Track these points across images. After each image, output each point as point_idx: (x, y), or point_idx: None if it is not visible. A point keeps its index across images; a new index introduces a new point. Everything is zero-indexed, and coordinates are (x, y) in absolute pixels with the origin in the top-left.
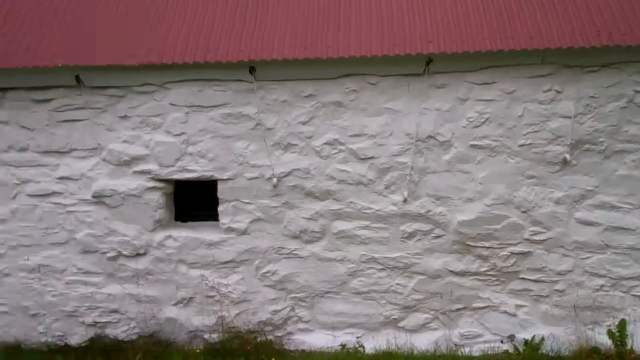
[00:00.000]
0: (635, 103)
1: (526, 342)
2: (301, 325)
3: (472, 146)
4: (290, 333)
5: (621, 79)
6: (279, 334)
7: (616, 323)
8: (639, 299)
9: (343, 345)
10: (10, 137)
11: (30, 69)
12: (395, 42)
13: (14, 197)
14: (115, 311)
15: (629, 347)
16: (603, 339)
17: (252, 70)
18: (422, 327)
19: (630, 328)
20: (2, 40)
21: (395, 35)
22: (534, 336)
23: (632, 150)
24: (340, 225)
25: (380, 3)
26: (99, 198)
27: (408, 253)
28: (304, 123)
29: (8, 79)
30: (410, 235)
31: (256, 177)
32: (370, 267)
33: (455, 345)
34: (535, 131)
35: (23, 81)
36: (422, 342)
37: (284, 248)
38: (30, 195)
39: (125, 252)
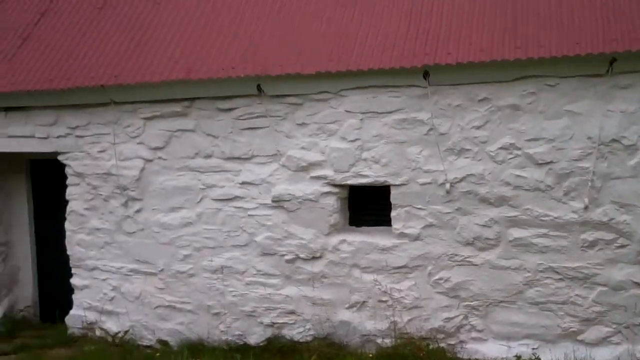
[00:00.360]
0: None
1: None
2: (474, 334)
3: None
4: (462, 342)
5: None
6: (452, 342)
7: None
8: None
9: (518, 357)
10: (196, 145)
11: (216, 80)
12: (575, 42)
13: (199, 201)
14: (291, 312)
15: None
16: None
17: (425, 75)
18: (603, 341)
19: None
20: (190, 54)
21: (576, 35)
22: None
23: None
24: (516, 233)
25: (550, 3)
26: (278, 202)
27: (589, 263)
28: (478, 127)
29: (196, 89)
30: (591, 245)
31: (429, 183)
32: (548, 277)
33: None
34: None
35: (209, 91)
36: (603, 356)
37: (457, 255)
38: (214, 200)
39: (302, 255)
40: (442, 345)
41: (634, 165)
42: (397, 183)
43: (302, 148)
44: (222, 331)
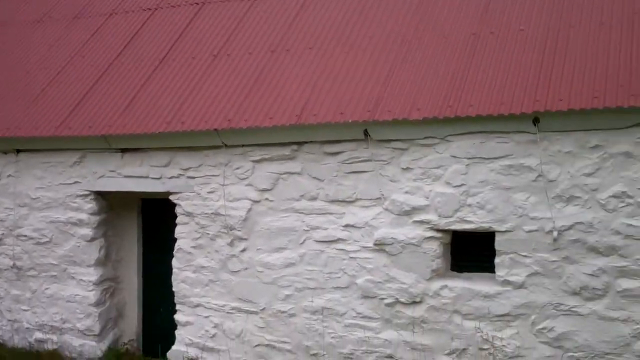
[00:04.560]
0: None
1: None
2: None
3: None
4: None
5: None
6: None
7: None
8: None
9: None
10: (302, 187)
11: (325, 125)
12: None
13: (302, 243)
14: (390, 357)
15: None
16: None
17: (535, 121)
18: None
19: None
20: (299, 100)
21: None
22: None
23: None
24: (625, 284)
25: None
26: (380, 246)
27: None
28: (588, 175)
29: (305, 133)
30: None
31: (535, 230)
32: None
33: None
34: None
35: (317, 135)
36: None
37: (562, 304)
38: (317, 241)
39: (402, 299)
40: None
41: None
42: (502, 229)
43: (406, 192)
44: None
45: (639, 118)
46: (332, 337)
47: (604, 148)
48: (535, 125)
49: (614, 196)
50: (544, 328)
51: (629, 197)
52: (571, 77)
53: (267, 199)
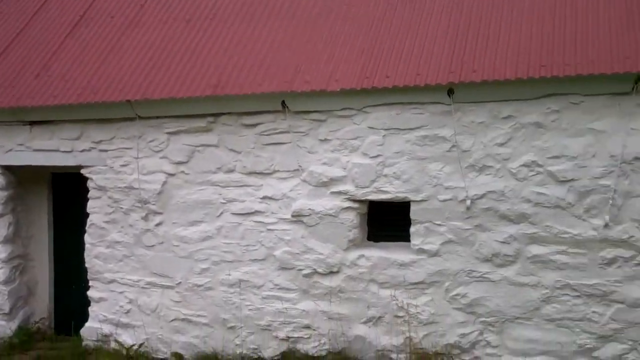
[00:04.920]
0: None
1: None
2: (489, 350)
3: None
4: (477, 357)
5: None
6: (466, 358)
7: None
8: None
9: None
10: (219, 160)
11: (242, 96)
12: (601, 61)
13: (219, 216)
14: (307, 327)
15: None
16: None
17: (450, 92)
18: (618, 358)
19: None
20: (214, 71)
21: (601, 54)
22: None
23: None
24: (535, 250)
25: (585, 18)
26: (297, 217)
27: (607, 280)
28: (500, 145)
29: (221, 105)
30: (610, 262)
31: (449, 199)
32: (565, 294)
33: None
34: None
35: (234, 107)
36: None
37: (474, 271)
38: (234, 214)
39: (319, 270)
40: None
41: None
42: (417, 199)
43: (324, 164)
44: (237, 345)
45: (549, 89)
46: (250, 310)
47: (516, 118)
48: (449, 96)
49: (524, 165)
50: (457, 294)
51: (539, 166)
52: (484, 49)
53: (182, 172)
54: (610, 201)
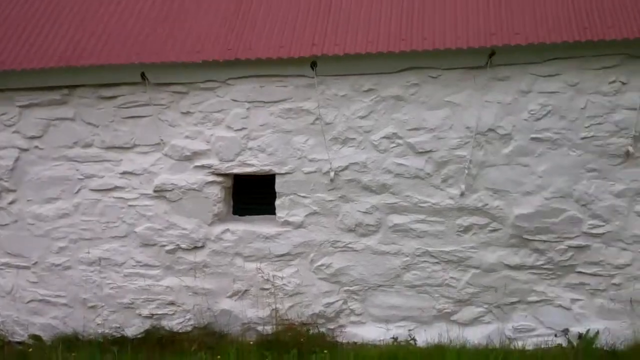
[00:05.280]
0: None
1: (580, 336)
2: (354, 318)
3: (533, 139)
4: (342, 326)
5: None
6: (332, 327)
7: None
8: None
9: (395, 339)
10: (75, 134)
11: (98, 67)
12: (457, 35)
13: (77, 192)
14: (171, 303)
15: None
16: None
17: (313, 65)
18: (475, 321)
19: None
20: (70, 40)
21: (458, 28)
22: (588, 330)
23: None
24: (396, 219)
25: None
26: (159, 192)
27: (463, 247)
28: (362, 117)
29: (76, 76)
30: (466, 229)
31: (314, 172)
32: (425, 261)
33: (508, 339)
34: (598, 123)
35: (91, 79)
36: (475, 335)
37: (338, 241)
38: (93, 190)
39: (183, 246)
40: (322, 330)
41: (508, 154)
42: (282, 172)
43: (187, 137)
44: (98, 324)
45: (408, 63)
46: (111, 288)
47: (377, 92)
48: (313, 69)
49: (385, 137)
50: (322, 265)
51: (399, 138)
52: (347, 23)
53: (37, 146)
54: (466, 171)
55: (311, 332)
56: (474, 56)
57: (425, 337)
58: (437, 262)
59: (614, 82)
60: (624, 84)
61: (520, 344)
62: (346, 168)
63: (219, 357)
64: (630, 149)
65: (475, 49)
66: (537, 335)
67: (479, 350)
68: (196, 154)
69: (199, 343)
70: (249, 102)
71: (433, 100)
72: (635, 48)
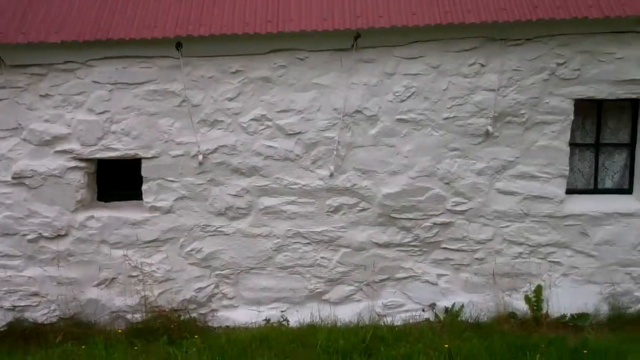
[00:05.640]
0: (557, 75)
1: (447, 309)
2: (225, 302)
3: (398, 120)
4: (214, 310)
5: (543, 52)
6: (204, 312)
7: (533, 289)
8: (555, 264)
9: (267, 320)
10: None
11: None
12: (323, 17)
13: None
14: (35, 294)
15: (544, 311)
16: (520, 305)
17: (178, 46)
18: (346, 299)
19: (546, 293)
20: None
21: (324, 10)
22: (454, 304)
23: (552, 122)
24: (267, 201)
25: None
26: (18, 179)
27: (333, 227)
28: (230, 99)
29: None
30: (336, 209)
31: (181, 155)
32: (296, 242)
33: (378, 315)
34: (459, 104)
35: None
36: (346, 313)
37: (209, 225)
38: None
39: (45, 234)
40: (193, 315)
41: (375, 135)
42: (148, 156)
43: (46, 121)
44: None
45: (275, 44)
46: None
47: (245, 73)
48: (178, 50)
49: (254, 119)
50: (192, 250)
51: (268, 120)
52: (213, 3)
53: None
54: (335, 152)
55: (182, 318)
56: (340, 38)
57: (297, 317)
58: (308, 243)
59: (473, 64)
60: (483, 66)
61: (389, 320)
62: (215, 151)
63: (84, 347)
64: (490, 128)
65: (341, 31)
66: (406, 311)
67: (349, 327)
68: (57, 139)
69: (64, 334)
70: (112, 84)
71: (301, 82)
72: (493, 31)
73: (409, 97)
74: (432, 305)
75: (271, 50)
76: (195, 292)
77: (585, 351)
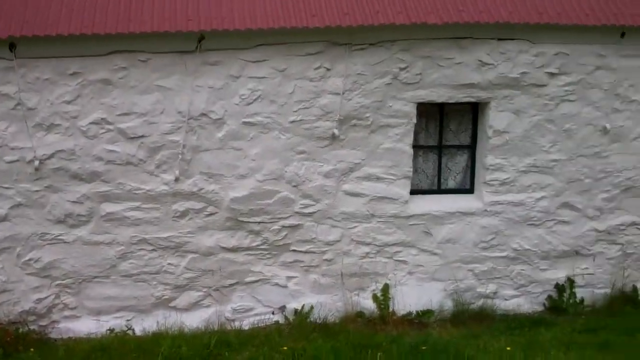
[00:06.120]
0: (399, 80)
1: (296, 311)
2: (67, 313)
3: (245, 123)
4: (55, 321)
5: (386, 57)
6: (44, 323)
7: (380, 288)
8: (401, 263)
9: (111, 330)
10: None
11: None
12: (165, 18)
13: None
14: None
15: (391, 309)
16: (368, 304)
17: (12, 47)
18: (194, 305)
19: (392, 291)
20: None
21: (166, 12)
22: (303, 305)
23: (396, 125)
24: (109, 208)
25: None
26: None
27: (180, 232)
28: (68, 102)
29: None
30: (183, 214)
31: (16, 160)
32: (141, 249)
33: (228, 320)
34: (305, 107)
35: None
36: (194, 320)
37: (47, 234)
38: None
39: None
40: (33, 327)
41: (221, 138)
42: None
43: None
44: None
45: (115, 45)
46: None
47: (83, 75)
48: (11, 51)
49: (94, 123)
50: (30, 259)
51: (109, 123)
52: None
53: None
54: (180, 156)
55: (20, 330)
56: (183, 40)
57: (143, 325)
58: (154, 249)
59: (319, 68)
60: (328, 70)
61: (239, 324)
62: (52, 156)
63: None
64: (336, 131)
65: (183, 33)
66: (256, 315)
67: (196, 334)
68: None
69: None
70: None
71: (143, 85)
72: (338, 36)
73: (255, 100)
74: (282, 308)
75: (111, 51)
76: (35, 303)
77: (424, 347)
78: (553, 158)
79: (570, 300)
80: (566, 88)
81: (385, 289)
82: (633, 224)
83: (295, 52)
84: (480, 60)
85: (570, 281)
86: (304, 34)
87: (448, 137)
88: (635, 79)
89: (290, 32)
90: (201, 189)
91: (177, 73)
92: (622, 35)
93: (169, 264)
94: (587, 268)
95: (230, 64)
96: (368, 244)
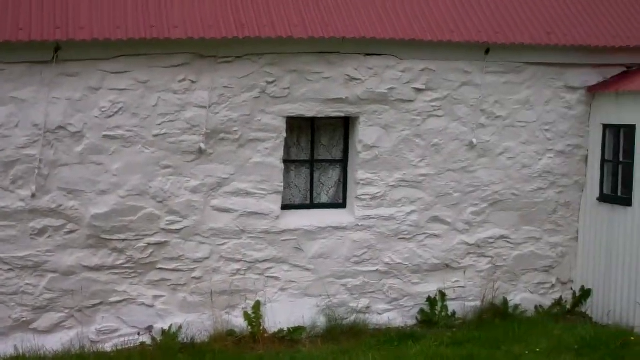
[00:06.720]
0: (267, 93)
1: (164, 332)
2: None
3: (106, 137)
4: None
5: (254, 70)
6: None
7: (251, 305)
8: (273, 279)
9: None
10: None
11: None
12: (20, 27)
13: None
14: None
15: (262, 327)
16: (240, 322)
17: None
18: (56, 327)
19: (264, 309)
20: None
21: (22, 20)
22: (171, 325)
23: (265, 139)
24: None
25: None
26: None
27: (38, 251)
28: None
29: None
30: (41, 232)
31: None
32: None
33: (92, 342)
34: (170, 121)
35: None
36: (55, 342)
37: None
38: None
39: None
40: None
41: (80, 152)
42: None
43: None
44: None
45: None
46: None
47: None
48: None
49: None
50: None
51: None
52: None
53: None
54: (37, 171)
55: None
56: (39, 50)
57: (1, 349)
58: (10, 269)
59: (183, 80)
60: (193, 82)
61: (103, 346)
62: None
63: None
64: (203, 145)
65: (38, 43)
66: (121, 336)
67: (56, 357)
68: None
69: None
70: None
71: None
72: (202, 48)
73: (116, 112)
74: (150, 328)
75: None
76: None
77: None
78: (422, 172)
79: (442, 314)
80: (433, 104)
81: (257, 306)
82: (502, 237)
83: (158, 63)
84: (348, 75)
85: (442, 294)
86: (167, 46)
87: (320, 151)
88: (500, 95)
89: (151, 43)
90: (60, 205)
91: (32, 84)
92: (487, 52)
93: (27, 284)
94: (458, 281)
95: (89, 75)
96: (238, 261)
